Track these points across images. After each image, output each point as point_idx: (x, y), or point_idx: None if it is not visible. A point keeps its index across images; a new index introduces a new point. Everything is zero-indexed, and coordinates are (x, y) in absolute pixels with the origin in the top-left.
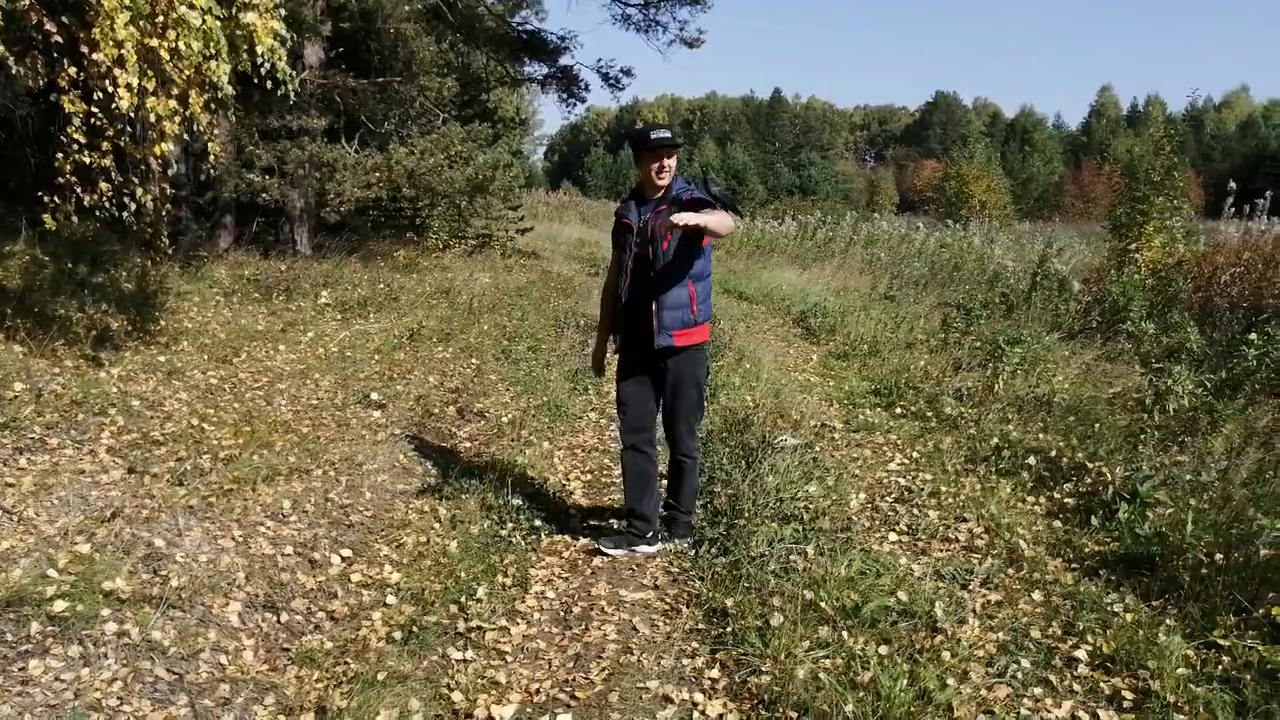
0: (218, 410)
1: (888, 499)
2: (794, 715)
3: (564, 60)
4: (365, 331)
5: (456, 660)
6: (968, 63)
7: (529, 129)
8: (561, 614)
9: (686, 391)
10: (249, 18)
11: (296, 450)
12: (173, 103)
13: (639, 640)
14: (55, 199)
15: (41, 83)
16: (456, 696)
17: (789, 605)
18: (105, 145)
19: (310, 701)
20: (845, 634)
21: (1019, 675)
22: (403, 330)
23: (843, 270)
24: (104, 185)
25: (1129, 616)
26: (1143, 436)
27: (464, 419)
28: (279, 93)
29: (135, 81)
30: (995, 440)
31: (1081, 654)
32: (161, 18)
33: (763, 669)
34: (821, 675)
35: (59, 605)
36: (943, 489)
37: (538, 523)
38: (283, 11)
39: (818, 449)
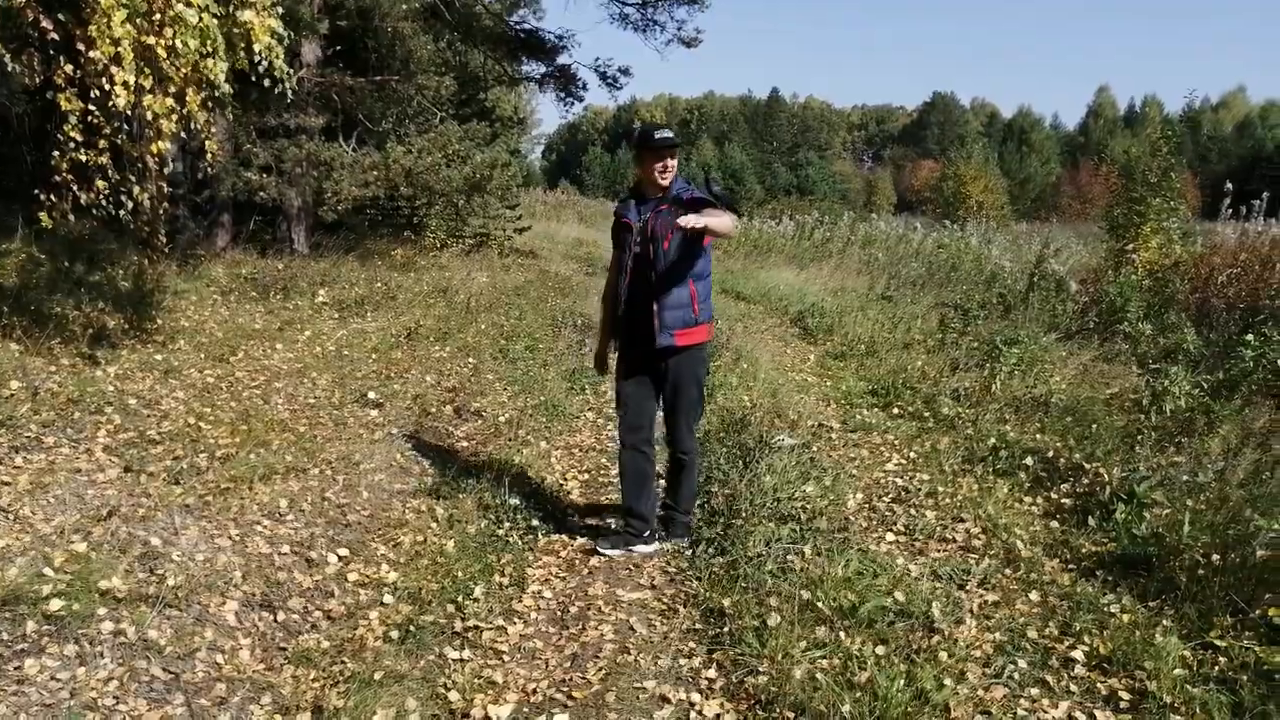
0: (214, 409)
1: (885, 499)
2: (791, 715)
3: (562, 59)
4: (362, 330)
5: (453, 660)
6: (965, 63)
7: (526, 128)
8: (558, 614)
9: (687, 390)
10: (246, 15)
11: (293, 449)
12: (170, 101)
13: (636, 640)
14: (52, 197)
15: (38, 80)
16: (453, 696)
17: (786, 605)
18: (102, 143)
19: (307, 701)
20: (842, 634)
21: (1016, 676)
22: (400, 329)
23: (840, 270)
24: (101, 183)
25: (1126, 617)
26: (1140, 437)
27: (461, 418)
28: (276, 91)
29: (132, 79)
30: (992, 440)
31: (1078, 654)
32: (158, 15)
33: (760, 669)
34: (818, 675)
35: (55, 604)
36: (940, 489)
37: (535, 522)
38: (280, 9)
39: (815, 449)
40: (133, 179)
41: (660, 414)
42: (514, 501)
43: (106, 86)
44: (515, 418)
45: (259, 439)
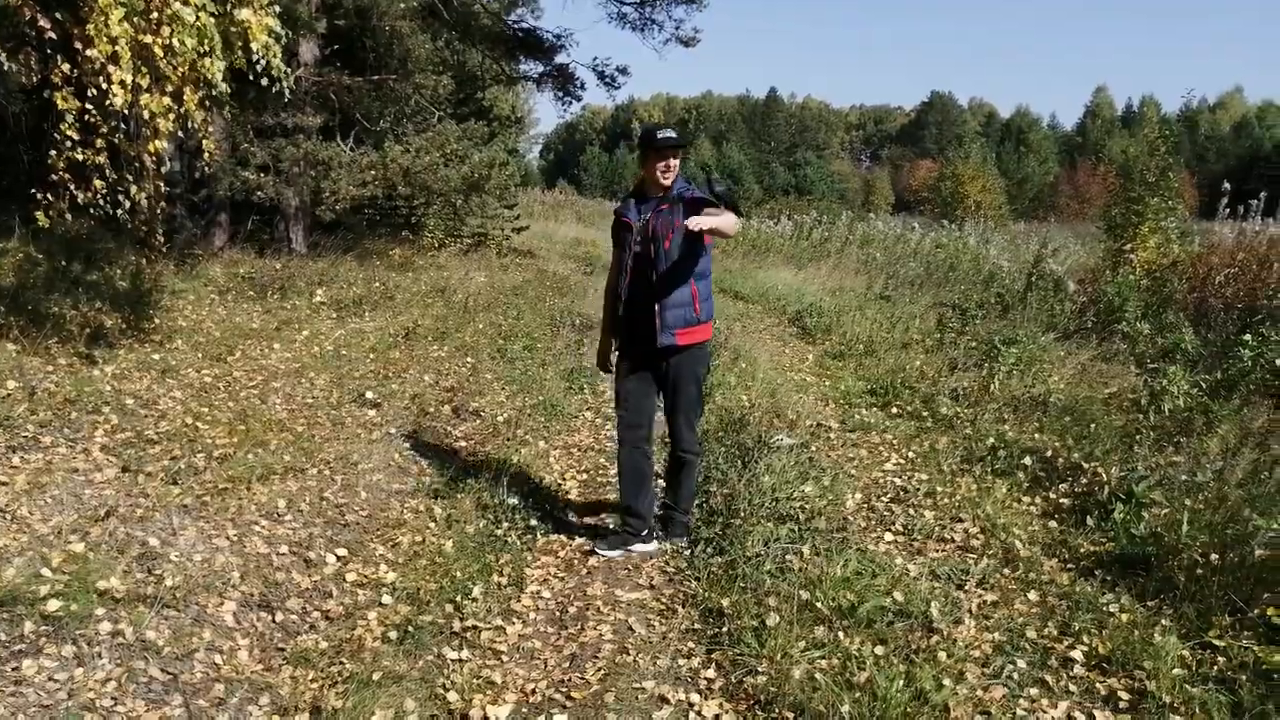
0: (212, 409)
1: (883, 499)
2: (790, 716)
3: (560, 58)
4: (360, 330)
5: (452, 660)
6: (963, 62)
7: (524, 127)
8: (557, 614)
9: (686, 388)
10: (243, 14)
11: (291, 449)
12: (167, 100)
13: (635, 640)
14: (49, 196)
15: (35, 79)
16: (452, 696)
17: (785, 605)
18: (99, 142)
19: (305, 701)
20: (841, 634)
21: (1015, 676)
22: (398, 329)
23: (838, 270)
24: (98, 183)
25: (1124, 617)
26: (1138, 437)
27: (459, 418)
28: (274, 90)
29: (129, 78)
30: (991, 440)
31: (1077, 654)
32: (155, 14)
33: (759, 669)
34: (817, 675)
35: (53, 605)
36: (938, 489)
37: (533, 522)
38: (277, 8)
39: (814, 449)
40: (130, 178)
41: (660, 413)
42: (512, 501)
43: (104, 85)
44: (513, 417)
45: (257, 439)
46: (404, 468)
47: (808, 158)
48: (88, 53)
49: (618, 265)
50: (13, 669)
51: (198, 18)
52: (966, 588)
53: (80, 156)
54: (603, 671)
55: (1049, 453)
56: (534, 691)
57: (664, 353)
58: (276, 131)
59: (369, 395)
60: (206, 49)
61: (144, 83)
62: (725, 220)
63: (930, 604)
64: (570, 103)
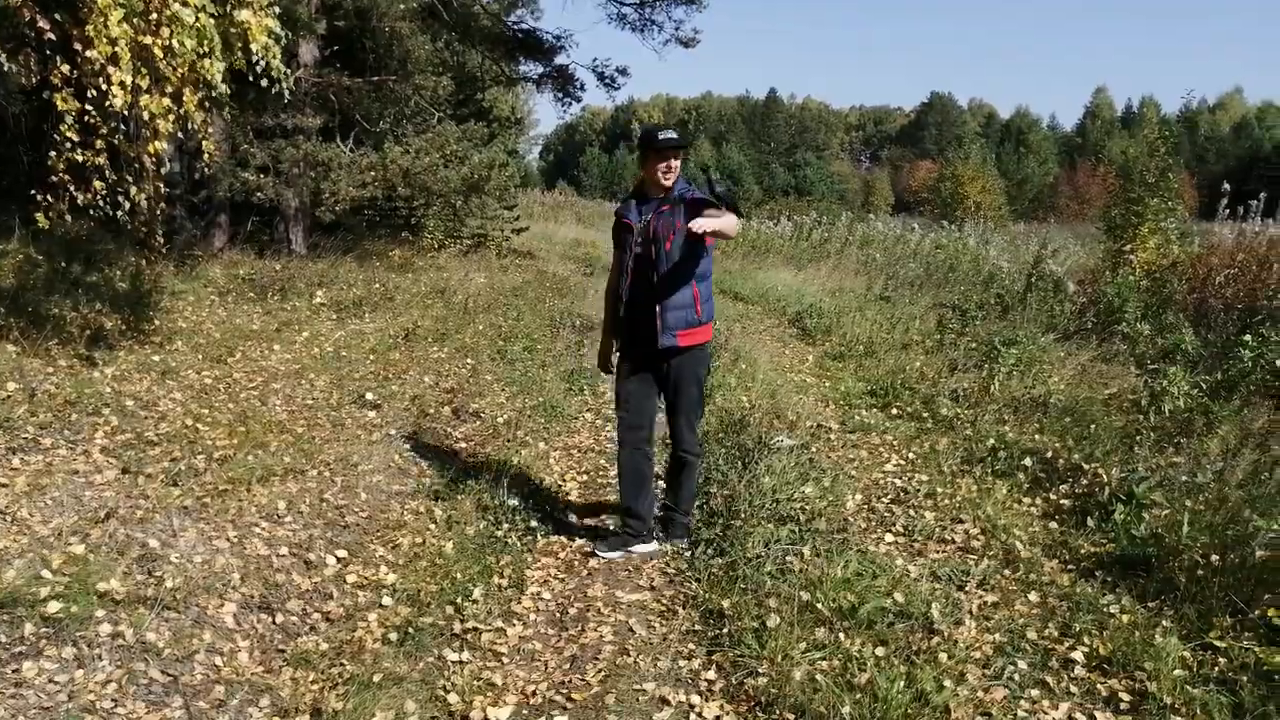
0: (212, 410)
1: (884, 500)
2: (791, 717)
3: (559, 59)
4: (360, 331)
5: (452, 662)
6: (963, 63)
7: (524, 128)
8: (558, 615)
9: (687, 389)
10: (243, 15)
11: (291, 451)
12: (167, 101)
13: (635, 642)
14: (48, 197)
15: (34, 80)
16: (452, 698)
17: (785, 606)
18: (99, 143)
19: (305, 703)
20: (842, 635)
21: (1016, 677)
22: (398, 330)
23: (838, 271)
24: (97, 184)
25: (1125, 618)
26: (1138, 438)
27: (459, 419)
28: (273, 91)
29: (129, 79)
30: (991, 441)
31: (1078, 655)
32: (155, 15)
33: (759, 670)
34: (818, 677)
35: (53, 606)
36: (939, 490)
37: (534, 523)
38: (277, 9)
39: (814, 450)
40: (130, 179)
41: (661, 414)
42: (513, 503)
43: (103, 86)
44: (513, 419)
45: (257, 440)
46: (404, 469)
47: (807, 158)
48: (87, 54)
49: (618, 266)
50: (13, 671)
51: (197, 19)
52: (967, 589)
53: (80, 158)
54: (603, 673)
55: (1049, 454)
56: (534, 693)
57: (665, 354)
58: (276, 132)
59: (369, 397)
60: (206, 50)
61: (144, 84)
62: (727, 222)
63: (931, 605)
64: (570, 104)
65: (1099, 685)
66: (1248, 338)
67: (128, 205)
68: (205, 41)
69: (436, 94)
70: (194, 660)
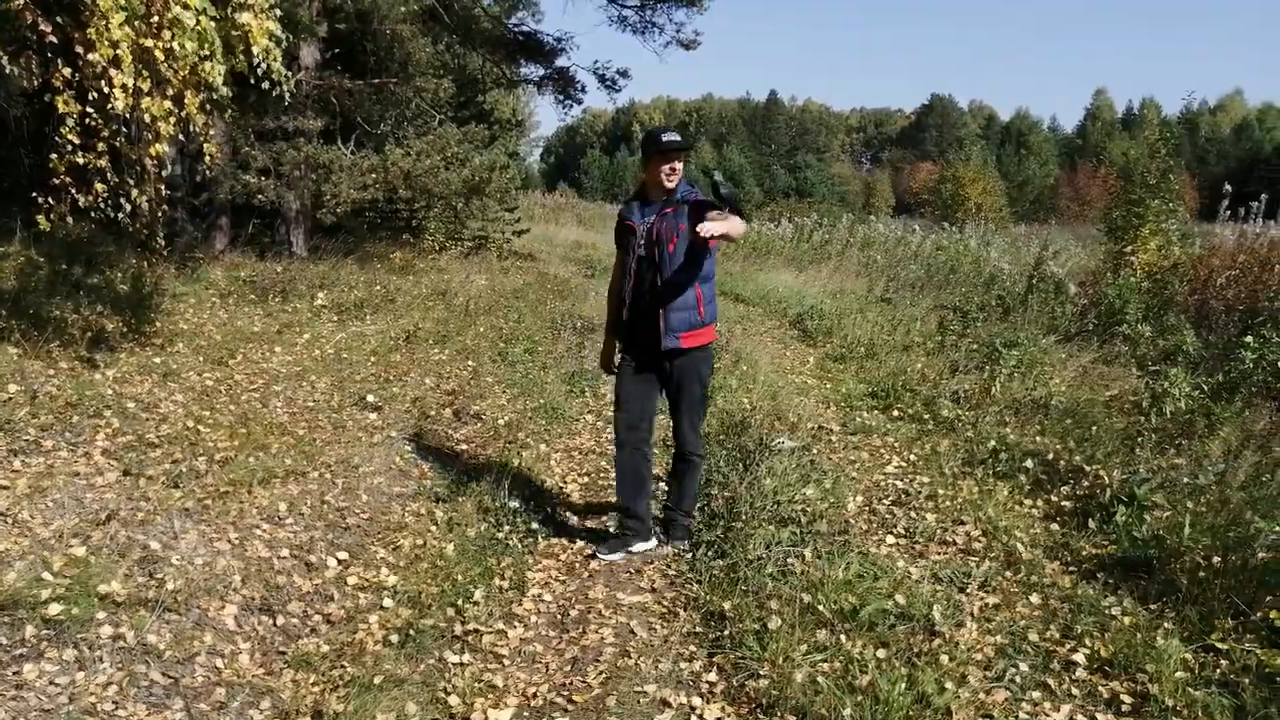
0: (213, 412)
1: (885, 502)
2: (792, 719)
3: (560, 62)
4: (361, 333)
5: (453, 664)
6: (963, 65)
7: (525, 130)
8: (559, 617)
9: (690, 388)
10: (244, 18)
11: (292, 453)
12: (168, 103)
13: (636, 643)
14: (50, 200)
15: (36, 83)
16: (453, 700)
17: (787, 608)
18: (100, 146)
19: (306, 705)
20: (843, 637)
21: (1017, 679)
22: (399, 332)
23: (839, 273)
24: (99, 186)
25: (1127, 620)
26: (1140, 439)
27: (460, 421)
28: (274, 94)
29: (130, 82)
30: (992, 443)
31: (1080, 657)
32: (156, 18)
33: (760, 672)
34: (819, 679)
35: (54, 608)
36: (940, 492)
37: (535, 525)
38: (278, 12)
39: (815, 451)
40: (131, 182)
41: (660, 416)
42: (514, 504)
43: (105, 89)
44: (514, 420)
45: (258, 442)
46: (405, 471)
47: (808, 160)
48: (89, 56)
49: (621, 268)
50: (14, 673)
51: (198, 21)
52: (968, 590)
53: (81, 160)
54: (604, 675)
55: (1050, 455)
56: (535, 695)
57: (668, 355)
58: (277, 135)
59: (370, 398)
60: (207, 53)
61: (145, 86)
62: (734, 225)
63: (932, 607)
64: (571, 106)
65: (1100, 687)
66: (1249, 339)
67: (129, 208)
68: (206, 44)
69: (437, 96)
70: (195, 662)
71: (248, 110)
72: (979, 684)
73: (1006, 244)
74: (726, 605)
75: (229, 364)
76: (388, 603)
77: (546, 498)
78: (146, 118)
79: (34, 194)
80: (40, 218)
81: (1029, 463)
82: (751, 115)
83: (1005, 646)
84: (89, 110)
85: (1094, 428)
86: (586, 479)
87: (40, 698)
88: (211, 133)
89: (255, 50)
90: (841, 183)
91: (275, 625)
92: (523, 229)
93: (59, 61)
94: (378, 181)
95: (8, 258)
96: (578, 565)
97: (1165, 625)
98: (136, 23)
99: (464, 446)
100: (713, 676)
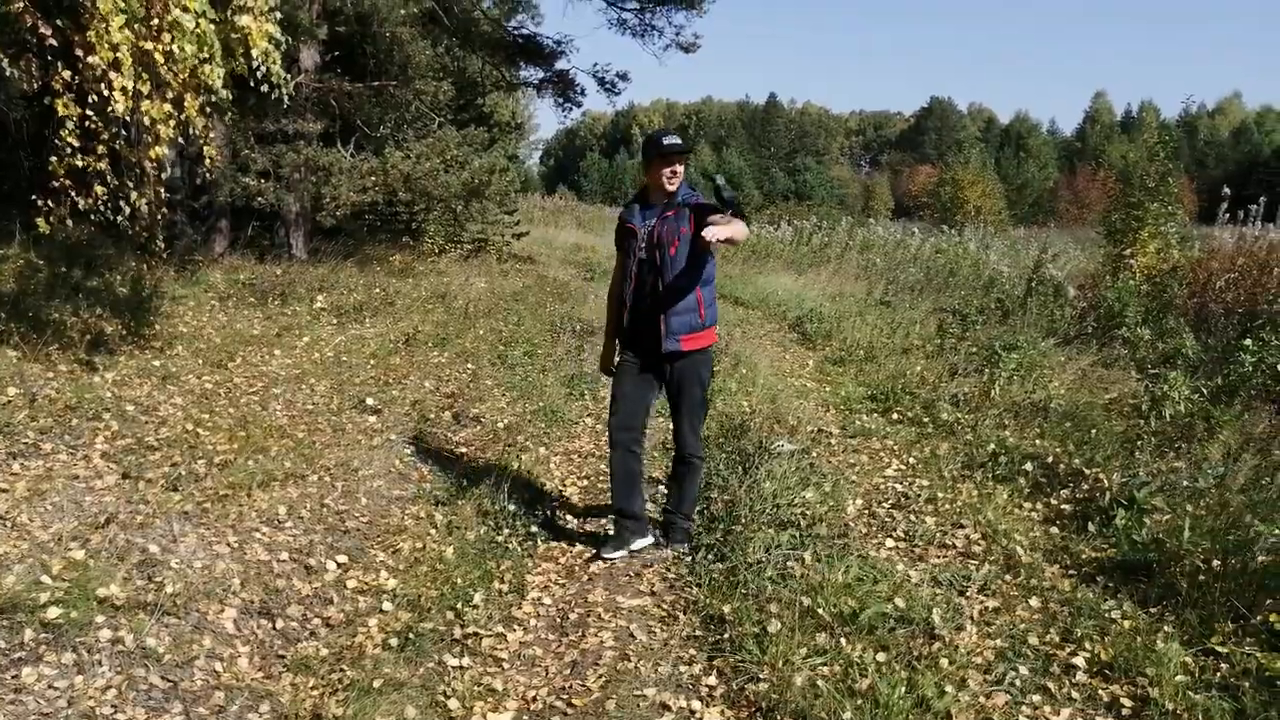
0: (213, 415)
1: (885, 505)
2: None
3: (560, 64)
4: (361, 336)
5: (453, 667)
6: (963, 68)
7: (525, 133)
8: (558, 621)
9: (691, 391)
10: (244, 21)
11: (292, 456)
12: (168, 106)
13: (636, 647)
14: (49, 202)
15: (36, 86)
16: (453, 704)
17: (786, 612)
18: (100, 149)
19: (306, 709)
20: (843, 641)
21: (1017, 682)
22: (398, 335)
23: (838, 275)
24: (98, 189)
25: (1127, 623)
26: (1139, 442)
27: (460, 424)
28: (274, 96)
29: (130, 84)
30: (992, 446)
31: (1079, 661)
32: (156, 20)
33: (760, 676)
34: (819, 682)
35: (53, 612)
36: (939, 495)
37: (534, 528)
38: (278, 15)
39: (814, 455)
40: (131, 184)
41: (659, 419)
42: (513, 508)
43: (104, 92)
44: (514, 423)
45: (257, 445)
46: (405, 474)
47: (807, 163)
48: (89, 59)
49: (622, 271)
50: (12, 677)
51: (198, 24)
52: (968, 594)
53: (81, 163)
54: (604, 678)
55: (1050, 458)
56: (535, 699)
57: (669, 358)
58: (277, 138)
59: (369, 401)
60: (207, 55)
61: (145, 89)
62: (737, 229)
63: (932, 610)
64: (570, 109)
65: (1100, 691)
66: (1248, 342)
67: (128, 210)
68: (206, 47)
69: (437, 99)
70: (194, 666)
71: (247, 113)
72: (979, 687)
73: (1006, 247)
74: (726, 608)
75: (228, 367)
76: (387, 606)
77: (546, 501)
78: (146, 120)
79: (34, 197)
80: (40, 220)
81: (1028, 466)
82: (751, 118)
83: (1005, 650)
84: (89, 113)
85: (1093, 431)
86: (586, 482)
87: (39, 701)
88: (211, 135)
89: (255, 53)
90: (841, 185)
91: (274, 629)
92: (522, 232)
93: (59, 64)
94: (377, 184)
95: (7, 260)
96: (577, 568)
97: (1165, 629)
98: (136, 25)
99: (463, 449)
100: (712, 680)
